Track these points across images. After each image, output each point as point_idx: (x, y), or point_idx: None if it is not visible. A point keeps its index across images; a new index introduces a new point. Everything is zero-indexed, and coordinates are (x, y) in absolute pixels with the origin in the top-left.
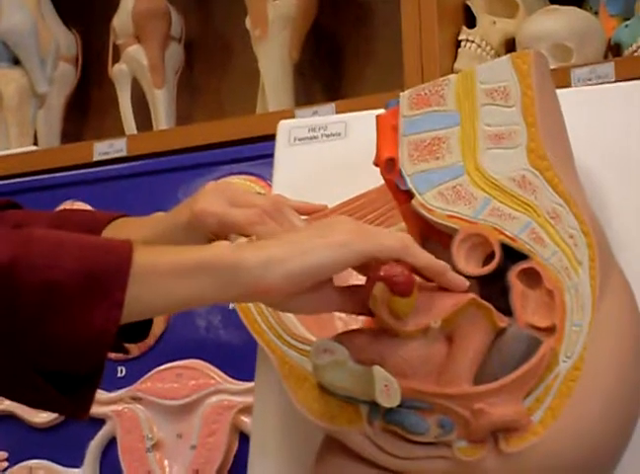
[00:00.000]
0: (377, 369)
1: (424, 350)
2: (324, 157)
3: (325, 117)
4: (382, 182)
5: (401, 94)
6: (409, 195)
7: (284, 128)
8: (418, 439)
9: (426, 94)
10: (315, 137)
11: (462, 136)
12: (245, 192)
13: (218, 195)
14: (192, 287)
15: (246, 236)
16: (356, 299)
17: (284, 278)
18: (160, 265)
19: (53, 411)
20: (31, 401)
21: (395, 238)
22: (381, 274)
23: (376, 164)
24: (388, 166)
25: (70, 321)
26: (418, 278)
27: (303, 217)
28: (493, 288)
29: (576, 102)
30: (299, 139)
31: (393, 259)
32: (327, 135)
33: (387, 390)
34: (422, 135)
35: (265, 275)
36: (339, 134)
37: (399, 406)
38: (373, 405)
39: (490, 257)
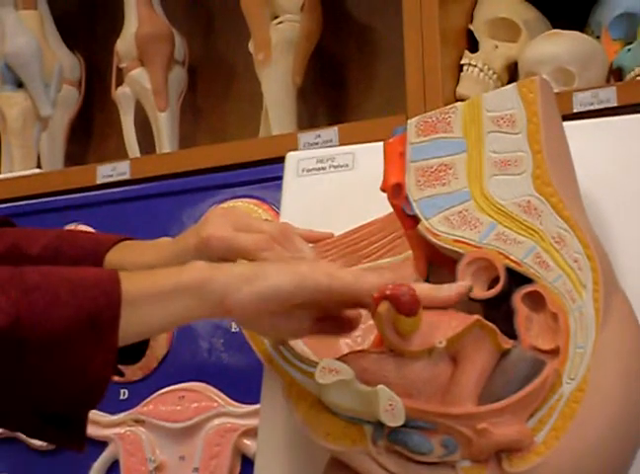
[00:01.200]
0: (382, 389)
1: (428, 370)
2: (332, 188)
3: (333, 148)
4: (389, 212)
5: (408, 121)
6: (415, 220)
7: (293, 159)
8: (422, 459)
9: (433, 121)
10: (323, 168)
11: (469, 163)
12: (252, 217)
13: (226, 220)
14: (174, 309)
15: (252, 261)
16: (329, 326)
17: (248, 297)
18: (143, 291)
19: (49, 442)
20: (24, 433)
21: (355, 277)
22: (387, 293)
23: (383, 189)
24: (395, 191)
25: (71, 370)
26: None
27: (310, 245)
28: (497, 312)
29: (578, 132)
30: (307, 170)
31: (349, 294)
32: (335, 166)
33: (392, 409)
34: (429, 162)
35: (230, 292)
36: (346, 165)
37: (403, 426)
38: (378, 425)
39: (495, 281)
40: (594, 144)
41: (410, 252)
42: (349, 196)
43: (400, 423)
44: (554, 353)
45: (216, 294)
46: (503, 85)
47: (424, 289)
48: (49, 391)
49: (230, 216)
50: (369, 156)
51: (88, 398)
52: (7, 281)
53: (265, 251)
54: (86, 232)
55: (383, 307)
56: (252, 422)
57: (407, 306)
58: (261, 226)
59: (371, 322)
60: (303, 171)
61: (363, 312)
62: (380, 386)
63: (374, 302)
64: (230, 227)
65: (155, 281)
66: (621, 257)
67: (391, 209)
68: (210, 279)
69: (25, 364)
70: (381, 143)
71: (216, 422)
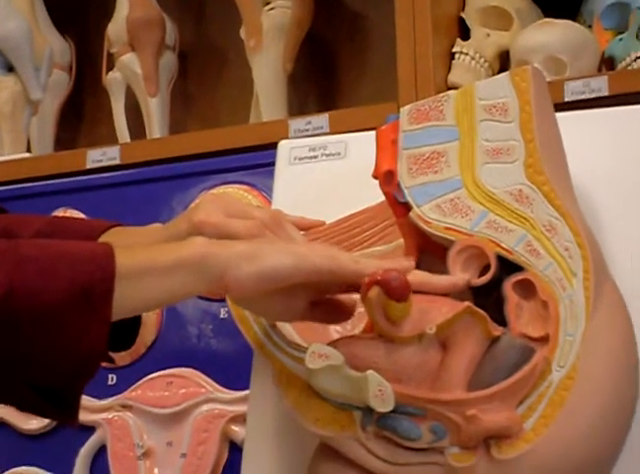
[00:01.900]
0: (372, 374)
1: (418, 356)
2: (324, 176)
3: (325, 137)
4: (381, 200)
5: (401, 109)
6: (407, 207)
7: (285, 147)
8: (411, 445)
9: (425, 109)
10: (315, 157)
11: (461, 151)
12: (244, 204)
13: (217, 206)
14: (171, 284)
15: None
16: (324, 311)
17: (247, 275)
18: (140, 266)
19: (42, 416)
20: (18, 407)
21: (355, 261)
22: (378, 278)
23: (375, 177)
24: (387, 179)
25: (66, 342)
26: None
27: (301, 233)
28: (488, 300)
29: (570, 124)
30: (299, 158)
31: (348, 277)
32: (327, 155)
33: (381, 395)
34: (421, 149)
35: (229, 269)
36: (339, 154)
37: (392, 412)
38: (367, 411)
39: (486, 269)
40: (585, 136)
41: (401, 240)
42: (341, 184)
43: (389, 408)
44: (544, 340)
45: (216, 270)
46: (494, 73)
47: (417, 275)
48: (43, 363)
49: (222, 202)
50: (362, 145)
51: (81, 371)
52: (1, 253)
53: (256, 237)
54: (77, 218)
55: (374, 292)
56: (240, 408)
57: (397, 292)
58: (252, 212)
59: (362, 310)
60: (295, 159)
61: (354, 298)
62: (370, 372)
63: (365, 287)
64: (222, 213)
65: (153, 256)
66: (612, 247)
67: (383, 198)
68: (211, 255)
69: (19, 336)
70: (374, 132)
71: (204, 408)
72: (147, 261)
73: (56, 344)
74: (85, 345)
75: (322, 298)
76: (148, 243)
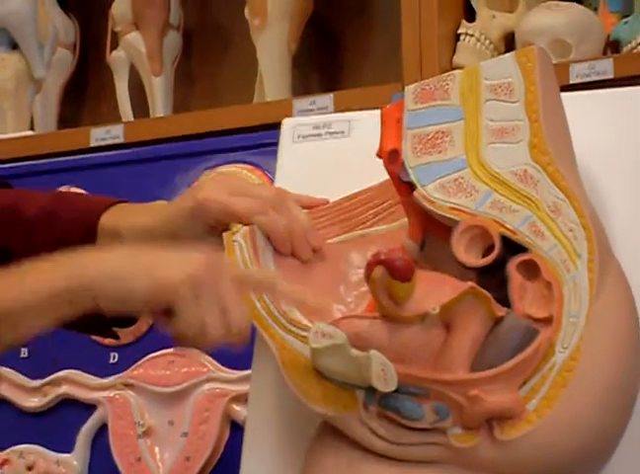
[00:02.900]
0: (375, 354)
1: (421, 336)
2: (327, 155)
3: (329, 115)
4: (384, 179)
5: (406, 88)
6: (411, 186)
7: (289, 125)
8: (413, 425)
9: (430, 88)
10: (319, 135)
11: (466, 131)
12: (248, 182)
13: (221, 184)
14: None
15: (247, 225)
16: None
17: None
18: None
19: None
20: None
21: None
22: (382, 257)
23: (380, 156)
24: (391, 158)
25: None
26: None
27: (304, 211)
28: (492, 280)
29: (574, 105)
30: (303, 137)
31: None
32: (331, 133)
33: (384, 375)
34: (425, 129)
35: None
36: (342, 132)
37: (395, 391)
38: (369, 390)
39: (490, 249)
40: (589, 116)
41: (404, 219)
42: (344, 163)
43: (392, 388)
44: (547, 321)
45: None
46: (499, 55)
47: None
48: None
49: (226, 181)
50: (366, 123)
51: None
52: None
53: (260, 215)
54: (82, 195)
55: (378, 272)
56: (242, 387)
57: (401, 271)
58: (256, 191)
59: (364, 288)
60: (299, 137)
61: (357, 278)
62: (373, 351)
63: (369, 267)
64: (226, 191)
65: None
66: (616, 229)
67: (387, 177)
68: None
69: None
70: (378, 111)
71: (206, 387)
72: (16, 300)
73: None
74: None
75: None
76: (150, 222)
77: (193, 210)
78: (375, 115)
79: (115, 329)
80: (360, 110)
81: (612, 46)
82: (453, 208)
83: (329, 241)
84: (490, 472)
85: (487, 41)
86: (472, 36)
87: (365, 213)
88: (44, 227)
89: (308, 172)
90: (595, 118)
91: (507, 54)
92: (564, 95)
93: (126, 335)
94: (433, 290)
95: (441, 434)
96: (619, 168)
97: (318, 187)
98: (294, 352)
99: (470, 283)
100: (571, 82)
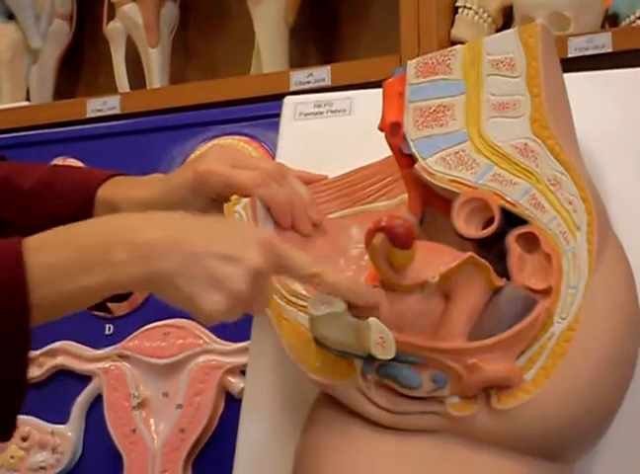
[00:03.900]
0: (374, 321)
1: (420, 305)
2: (328, 133)
3: (331, 93)
4: (385, 157)
5: (408, 62)
6: (412, 159)
7: (290, 103)
8: (411, 394)
9: (433, 63)
10: (320, 113)
11: (467, 104)
12: (249, 155)
13: (223, 156)
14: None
15: (247, 197)
16: None
17: None
18: (54, 275)
19: None
20: None
21: None
22: (382, 224)
23: (381, 128)
24: (393, 130)
25: None
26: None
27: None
28: (491, 253)
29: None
30: (304, 114)
31: None
32: (332, 111)
33: (383, 342)
34: (427, 102)
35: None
36: (344, 111)
37: (393, 360)
38: (367, 359)
39: (489, 222)
40: (589, 97)
41: (405, 195)
42: (345, 141)
43: (390, 356)
44: (546, 292)
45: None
46: (497, 28)
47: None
48: None
49: (227, 153)
50: (367, 102)
51: (9, 397)
52: None
53: (261, 187)
54: (78, 167)
55: (378, 239)
56: (237, 360)
57: (402, 238)
58: (258, 163)
59: (364, 262)
60: (300, 115)
61: (357, 252)
62: (372, 319)
63: (369, 234)
64: (227, 163)
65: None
66: (615, 208)
67: (387, 155)
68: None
69: None
70: (380, 90)
71: (201, 359)
72: (61, 260)
73: None
74: (6, 374)
75: None
76: (149, 195)
77: (194, 183)
78: (377, 93)
79: (108, 304)
80: (358, 82)
81: (611, 20)
82: (454, 181)
83: (329, 216)
84: (487, 441)
85: (485, 14)
86: (470, 8)
87: (366, 189)
88: (40, 199)
89: (309, 150)
90: (594, 99)
91: (509, 30)
92: (564, 75)
93: (121, 306)
94: (432, 259)
95: (439, 402)
96: (622, 150)
97: (319, 164)
98: (294, 321)
99: (470, 253)
100: (569, 56)
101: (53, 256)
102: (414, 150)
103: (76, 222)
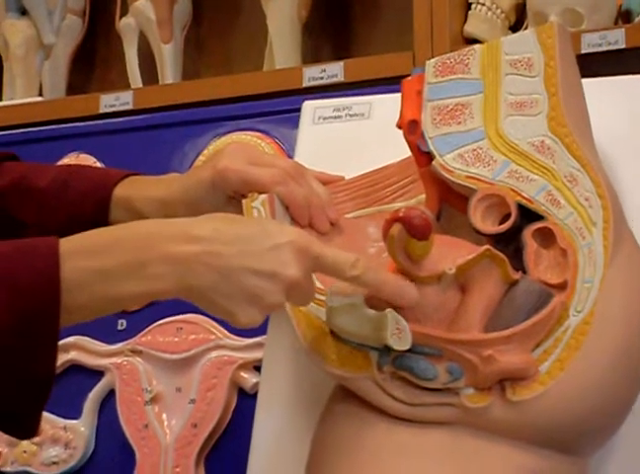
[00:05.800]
0: (391, 312)
1: (437, 296)
2: (347, 137)
3: (350, 98)
4: (403, 159)
5: (427, 62)
6: (430, 157)
7: (309, 107)
8: (426, 385)
9: (451, 62)
10: (339, 117)
11: (485, 103)
12: (267, 153)
13: (241, 154)
14: (124, 289)
15: (264, 194)
16: None
17: None
18: (90, 272)
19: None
20: None
21: None
22: (400, 215)
23: (399, 126)
24: (411, 128)
25: (13, 370)
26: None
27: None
28: (507, 248)
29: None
30: (323, 118)
31: None
32: (351, 115)
33: (399, 333)
34: (445, 101)
35: None
36: (363, 115)
37: (409, 351)
38: (383, 351)
39: (506, 218)
40: (601, 103)
41: (422, 196)
42: (364, 145)
43: (407, 347)
44: (562, 286)
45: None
46: (510, 25)
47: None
48: None
49: (245, 150)
50: (386, 106)
51: (32, 397)
52: None
53: (279, 185)
54: (94, 167)
55: (395, 229)
56: (249, 355)
57: (419, 229)
58: (275, 161)
59: (381, 260)
60: (319, 119)
61: (374, 251)
62: (389, 310)
63: (387, 224)
64: (245, 161)
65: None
66: (630, 209)
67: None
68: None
69: None
70: (399, 94)
71: (214, 354)
72: (97, 266)
73: (2, 372)
74: (32, 372)
75: None
76: (166, 194)
77: (212, 180)
78: (396, 98)
79: None
80: (371, 78)
81: (624, 17)
82: (471, 177)
83: (346, 216)
84: (501, 433)
85: (498, 11)
86: (483, 4)
87: (384, 190)
88: (56, 198)
89: (328, 153)
90: (606, 105)
91: (527, 30)
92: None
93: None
94: (449, 252)
95: (454, 394)
96: (633, 154)
97: (338, 168)
98: (310, 314)
99: (487, 246)
100: (582, 52)
101: (88, 261)
102: (432, 147)
103: (115, 226)
